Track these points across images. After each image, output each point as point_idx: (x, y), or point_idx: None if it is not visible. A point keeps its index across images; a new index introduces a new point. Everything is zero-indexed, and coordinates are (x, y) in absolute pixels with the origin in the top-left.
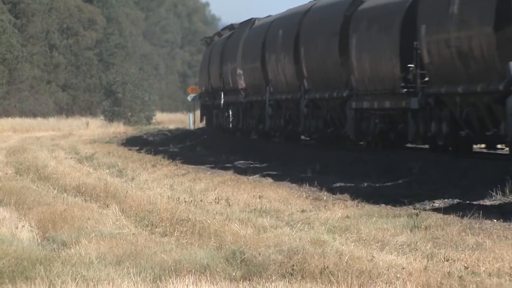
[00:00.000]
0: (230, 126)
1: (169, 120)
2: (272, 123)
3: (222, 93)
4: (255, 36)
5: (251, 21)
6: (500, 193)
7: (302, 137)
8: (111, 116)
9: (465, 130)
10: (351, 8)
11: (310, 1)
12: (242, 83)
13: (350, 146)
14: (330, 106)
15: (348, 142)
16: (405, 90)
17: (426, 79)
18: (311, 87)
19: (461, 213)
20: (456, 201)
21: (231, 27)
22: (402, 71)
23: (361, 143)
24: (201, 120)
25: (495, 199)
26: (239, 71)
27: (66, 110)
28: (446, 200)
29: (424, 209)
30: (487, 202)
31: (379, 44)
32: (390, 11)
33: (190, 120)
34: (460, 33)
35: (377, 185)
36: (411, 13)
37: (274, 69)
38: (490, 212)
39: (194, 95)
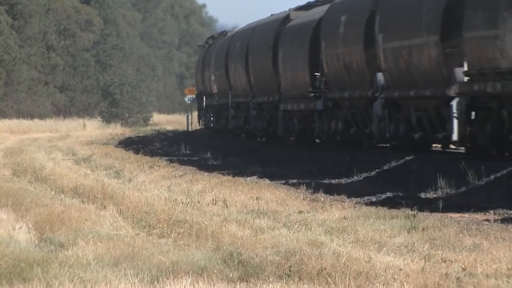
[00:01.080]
0: (212, 125)
1: (166, 121)
2: (234, 123)
3: (204, 96)
4: (222, 46)
5: (223, 33)
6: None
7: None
8: (109, 118)
9: (353, 127)
10: (281, 26)
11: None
12: (215, 88)
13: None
14: (269, 109)
15: (281, 140)
16: (312, 94)
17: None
18: (256, 93)
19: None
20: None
21: (222, 33)
22: (311, 79)
23: (292, 138)
24: (199, 121)
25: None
26: (213, 77)
27: (63, 111)
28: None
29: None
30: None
31: (296, 57)
32: (303, 29)
33: (187, 121)
34: (344, 49)
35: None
36: (317, 31)
37: (234, 76)
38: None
39: (191, 96)
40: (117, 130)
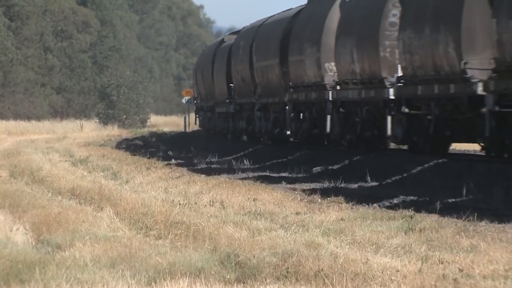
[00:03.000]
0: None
1: (163, 122)
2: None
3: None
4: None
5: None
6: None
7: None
8: (106, 119)
9: (251, 125)
10: (217, 47)
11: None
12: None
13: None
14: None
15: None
16: (227, 100)
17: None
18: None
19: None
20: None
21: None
22: (227, 89)
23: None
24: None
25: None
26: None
27: (60, 112)
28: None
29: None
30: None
31: (220, 71)
32: (224, 50)
33: (185, 122)
34: (241, 66)
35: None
36: (231, 52)
37: (201, 84)
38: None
39: (189, 97)
40: (114, 131)
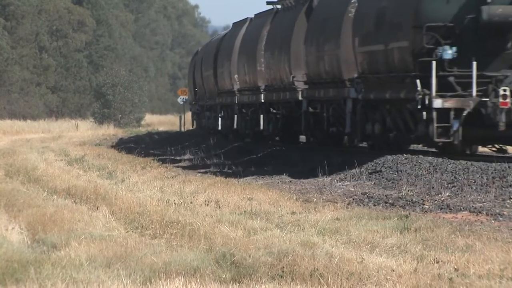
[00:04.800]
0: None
1: (159, 122)
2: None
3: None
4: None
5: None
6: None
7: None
8: (101, 118)
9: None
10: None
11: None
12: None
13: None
14: None
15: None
16: (193, 102)
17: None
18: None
19: None
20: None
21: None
22: (194, 91)
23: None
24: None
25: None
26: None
27: (56, 112)
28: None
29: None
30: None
31: (190, 76)
32: (192, 58)
33: (180, 122)
34: (198, 74)
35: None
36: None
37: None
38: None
39: (184, 97)
40: (110, 131)
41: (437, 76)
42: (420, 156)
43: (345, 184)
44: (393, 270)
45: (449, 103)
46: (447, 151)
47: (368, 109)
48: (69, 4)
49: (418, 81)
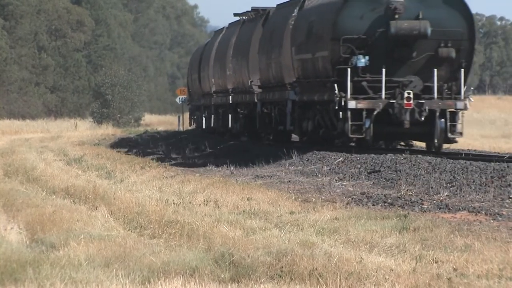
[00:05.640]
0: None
1: (158, 121)
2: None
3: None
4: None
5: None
6: None
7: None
8: (100, 118)
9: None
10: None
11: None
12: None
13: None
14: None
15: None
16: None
17: None
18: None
19: None
20: None
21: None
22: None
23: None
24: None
25: None
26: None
27: (54, 112)
28: None
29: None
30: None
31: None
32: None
33: (179, 121)
34: (190, 77)
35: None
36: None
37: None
38: None
39: (183, 96)
40: (109, 130)
41: (352, 81)
42: (419, 156)
43: (344, 184)
44: (392, 270)
45: (362, 104)
46: (361, 145)
47: (303, 109)
48: (68, 4)
49: (336, 85)
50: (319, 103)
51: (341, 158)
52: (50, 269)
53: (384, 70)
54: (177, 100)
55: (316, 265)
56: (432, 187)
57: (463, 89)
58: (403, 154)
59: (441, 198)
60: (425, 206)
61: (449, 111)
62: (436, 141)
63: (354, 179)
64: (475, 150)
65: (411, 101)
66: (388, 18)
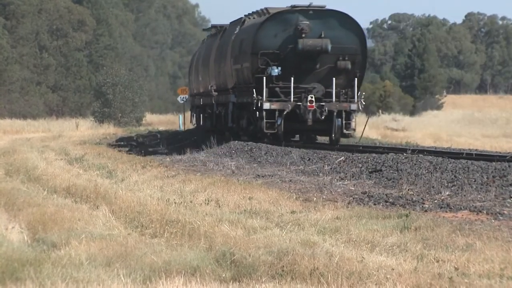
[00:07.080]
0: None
1: (159, 121)
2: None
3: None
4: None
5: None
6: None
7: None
8: (101, 117)
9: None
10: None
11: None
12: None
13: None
14: None
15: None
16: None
17: None
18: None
19: None
20: None
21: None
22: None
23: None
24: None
25: None
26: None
27: (56, 111)
28: None
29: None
30: None
31: None
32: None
33: (180, 121)
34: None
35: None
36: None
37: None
38: None
39: (184, 96)
40: (110, 130)
41: (267, 87)
42: (420, 155)
43: (345, 183)
44: (393, 269)
45: (275, 106)
46: (274, 139)
47: (240, 109)
48: (69, 3)
49: (254, 90)
50: (247, 105)
51: (342, 158)
52: (51, 269)
53: (293, 78)
54: (179, 99)
55: (317, 265)
56: (433, 187)
57: (356, 94)
58: (404, 154)
59: (443, 197)
60: (427, 206)
61: (345, 112)
62: (333, 135)
63: (355, 179)
64: (476, 150)
65: (313, 104)
66: (297, 37)
